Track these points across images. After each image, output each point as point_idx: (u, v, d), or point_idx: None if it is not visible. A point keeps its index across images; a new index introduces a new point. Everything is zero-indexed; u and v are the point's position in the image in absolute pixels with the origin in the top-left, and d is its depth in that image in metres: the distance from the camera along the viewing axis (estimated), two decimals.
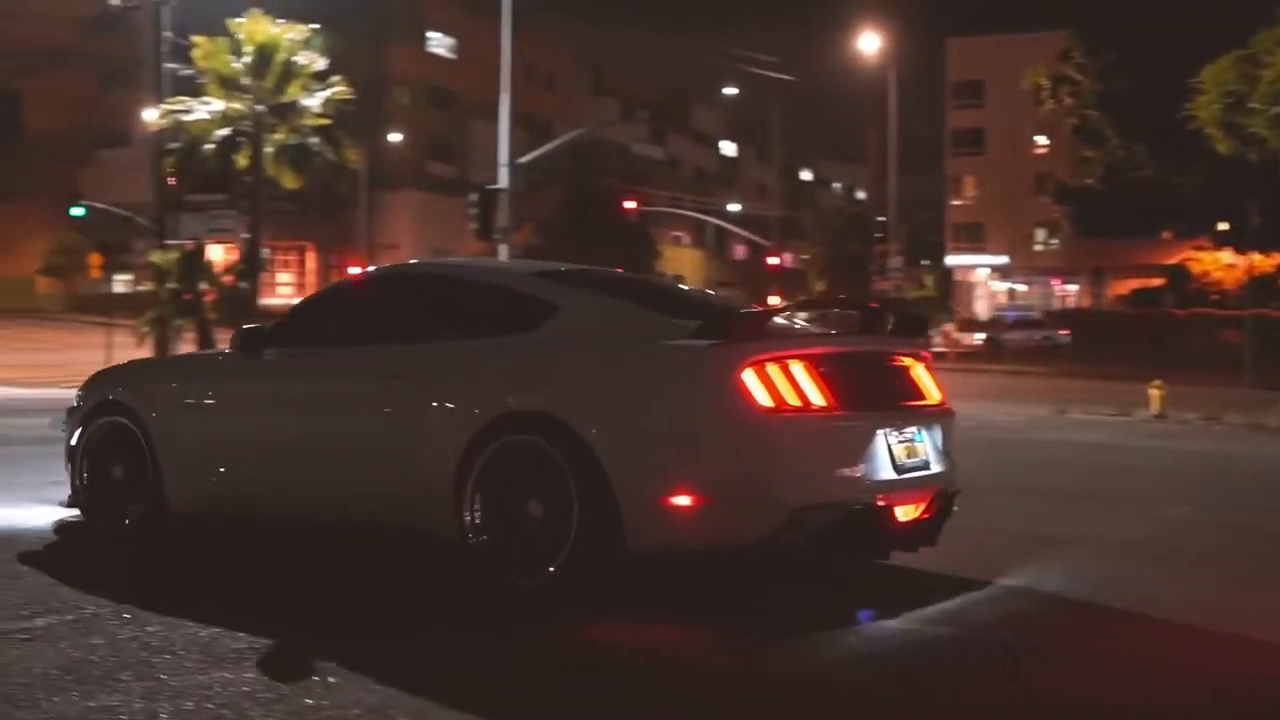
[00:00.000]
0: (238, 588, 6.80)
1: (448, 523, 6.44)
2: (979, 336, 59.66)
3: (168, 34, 30.18)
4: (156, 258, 29.95)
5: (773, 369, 5.97)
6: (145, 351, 30.22)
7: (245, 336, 7.53)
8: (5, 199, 72.03)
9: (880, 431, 6.32)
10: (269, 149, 29.00)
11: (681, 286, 8.58)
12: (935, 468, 6.66)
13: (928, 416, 6.77)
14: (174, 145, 29.37)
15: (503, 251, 27.49)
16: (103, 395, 8.16)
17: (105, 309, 32.65)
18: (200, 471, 7.60)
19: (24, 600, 6.11)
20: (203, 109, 28.37)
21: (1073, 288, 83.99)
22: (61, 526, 8.23)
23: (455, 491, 6.39)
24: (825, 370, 6.16)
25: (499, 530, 6.33)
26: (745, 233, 74.85)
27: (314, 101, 29.30)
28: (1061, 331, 58.22)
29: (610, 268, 8.82)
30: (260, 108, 28.58)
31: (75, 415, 8.20)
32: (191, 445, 7.63)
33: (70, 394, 8.95)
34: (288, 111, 28.53)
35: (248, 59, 29.04)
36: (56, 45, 69.78)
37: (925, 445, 6.62)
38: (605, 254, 68.15)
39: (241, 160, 28.93)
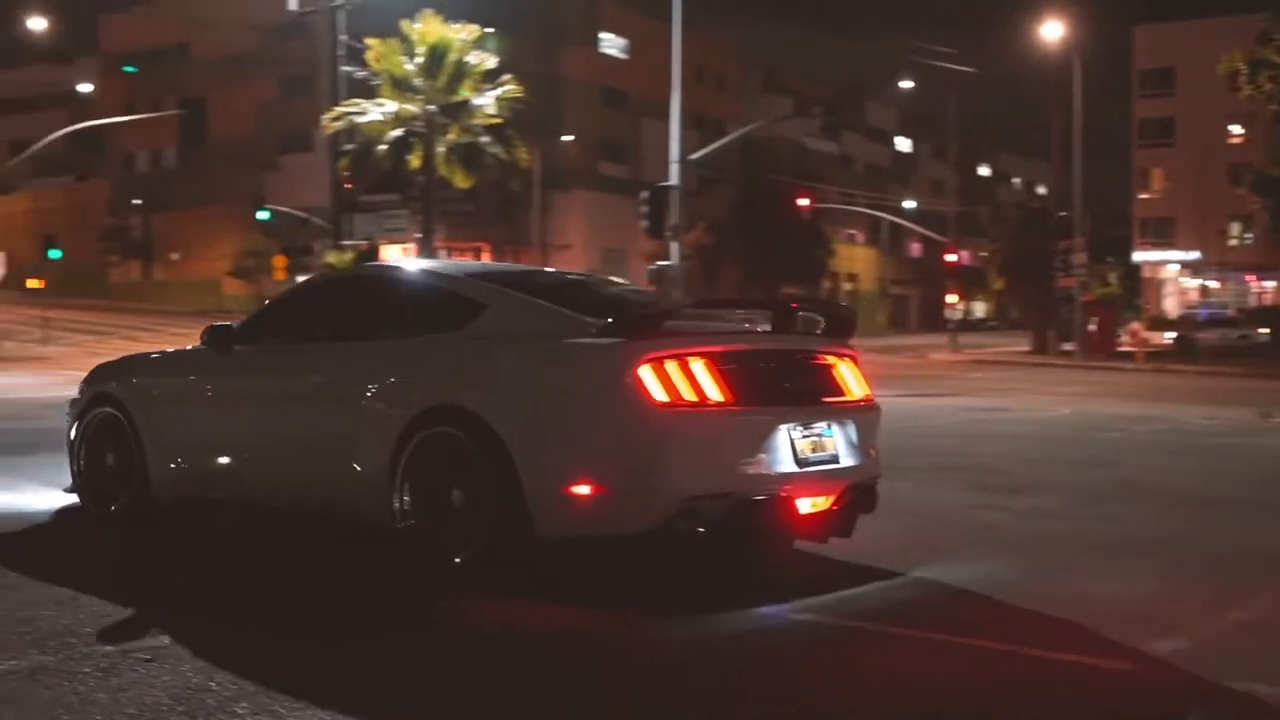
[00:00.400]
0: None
1: (383, 509, 6.78)
2: (1169, 335, 57.15)
3: (343, 37, 30.45)
4: (332, 258, 30.21)
5: (670, 366, 6.19)
6: None
7: (214, 333, 7.96)
8: (195, 204, 74.42)
9: (783, 426, 6.49)
10: (441, 149, 28.98)
11: (617, 285, 8.68)
12: (846, 461, 6.81)
13: (840, 412, 6.91)
14: (348, 147, 29.57)
15: (673, 250, 26.97)
16: (99, 388, 8.62)
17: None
18: (177, 461, 8.00)
19: None
20: (376, 110, 28.48)
21: (1270, 284, 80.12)
22: (63, 510, 8.67)
23: (388, 480, 6.74)
24: (726, 367, 6.37)
25: (424, 516, 6.67)
26: (921, 229, 73.11)
27: (485, 101, 29.19)
28: (1260, 330, 55.38)
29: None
30: (432, 108, 28.57)
31: (76, 406, 8.72)
32: (169, 436, 8.03)
33: None
34: (459, 111, 28.45)
35: (420, 60, 29.07)
36: (240, 54, 71.78)
37: (835, 440, 6.78)
38: (777, 252, 67.75)
39: (414, 161, 28.96)
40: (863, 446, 6.98)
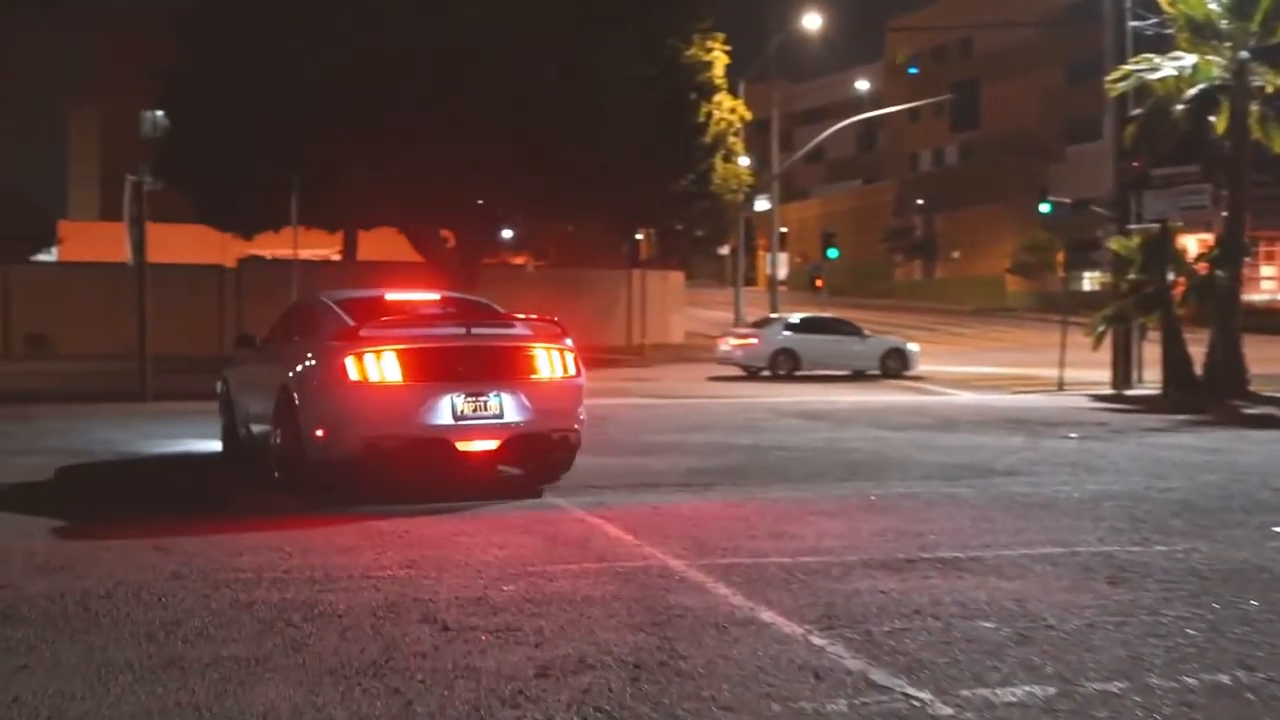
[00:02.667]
0: None
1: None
2: None
3: None
4: (1115, 244, 25.34)
5: (367, 358, 9.78)
6: (1101, 354, 25.77)
7: (241, 339, 13.17)
8: (975, 202, 71.55)
9: (448, 394, 9.84)
10: (1254, 106, 23.14)
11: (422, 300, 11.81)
12: (510, 418, 10.03)
13: (507, 384, 10.07)
14: (1135, 112, 24.56)
15: None
16: (222, 377, 13.38)
17: (1070, 307, 29.04)
18: (244, 413, 12.25)
19: None
20: (1170, 65, 23.26)
21: None
22: None
23: (271, 425, 10.86)
24: (406, 357, 9.88)
25: (273, 447, 10.81)
26: None
27: None
28: None
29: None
30: (1244, 54, 22.79)
31: (220, 393, 13.39)
32: (241, 404, 12.42)
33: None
34: (1278, 56, 22.50)
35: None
36: (1020, 45, 67.81)
37: (500, 403, 10.00)
38: None
39: (1219, 124, 23.38)
40: (538, 409, 10.16)
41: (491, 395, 9.92)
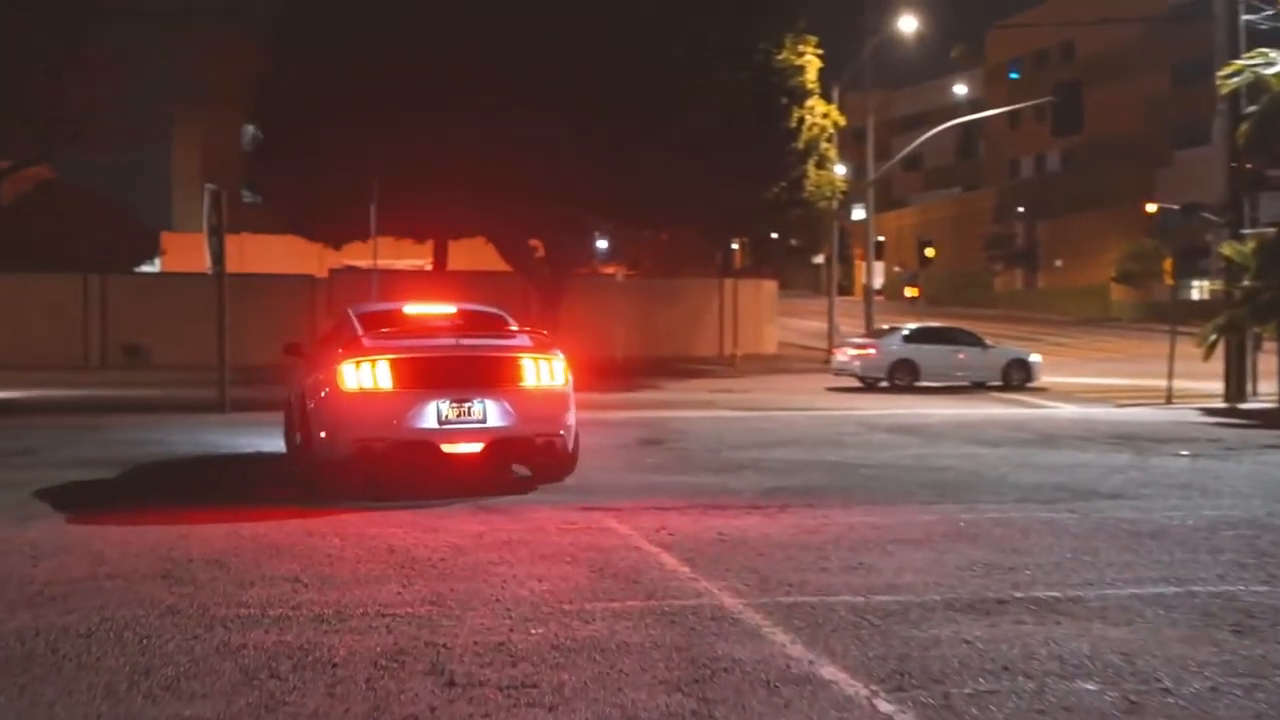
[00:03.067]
0: None
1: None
2: None
3: None
4: (1228, 250, 23.84)
5: (362, 366, 10.51)
6: (1212, 365, 24.29)
7: (286, 349, 13.40)
8: (1078, 208, 69.48)
9: (434, 401, 10.43)
10: None
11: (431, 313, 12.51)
12: (493, 423, 10.56)
13: (491, 392, 10.62)
14: (1250, 110, 23.12)
15: None
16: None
17: (1178, 316, 27.55)
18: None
19: None
20: None
21: None
22: None
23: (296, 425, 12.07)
24: (399, 367, 10.58)
25: (294, 446, 12.13)
26: None
27: None
28: None
29: None
30: None
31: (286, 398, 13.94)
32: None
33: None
34: None
35: None
36: (1124, 47, 65.72)
37: (484, 409, 10.54)
38: None
39: None
40: (520, 415, 10.67)
41: (475, 402, 10.55)
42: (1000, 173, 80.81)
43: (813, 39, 34.92)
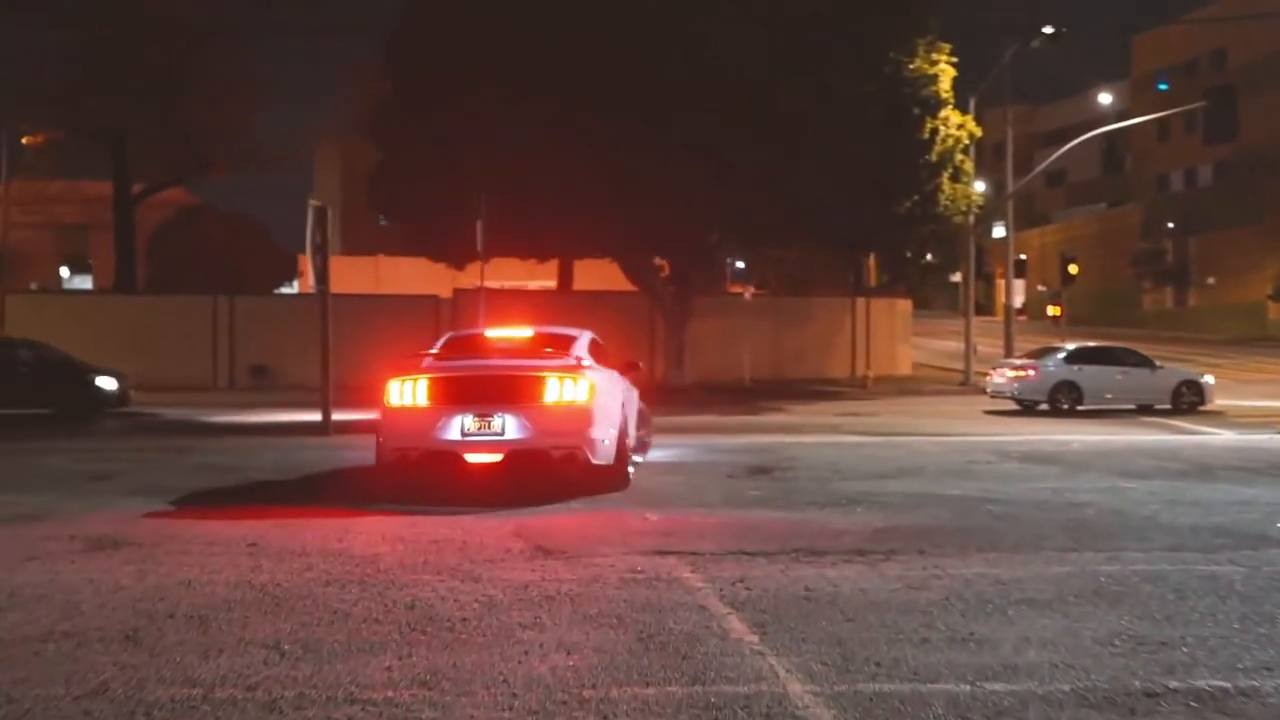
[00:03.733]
0: None
1: None
2: None
3: None
4: None
5: (404, 384, 11.69)
6: None
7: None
8: (1233, 223, 65.89)
9: (459, 415, 11.43)
10: None
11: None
12: (510, 435, 11.40)
13: (511, 407, 11.47)
14: None
15: None
16: None
17: None
18: None
19: None
20: None
21: None
22: None
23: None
24: (433, 385, 11.71)
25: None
26: None
27: None
28: None
29: None
30: None
31: None
32: None
33: None
34: None
35: None
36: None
37: (503, 423, 11.39)
38: None
39: None
40: (538, 428, 11.47)
41: (495, 416, 11.45)
42: (1148, 187, 77.12)
43: (946, 46, 33.11)
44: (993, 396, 29.42)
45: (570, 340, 13.12)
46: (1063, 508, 11.21)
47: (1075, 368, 28.16)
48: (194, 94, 39.46)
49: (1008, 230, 41.70)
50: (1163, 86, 68.84)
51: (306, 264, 67.90)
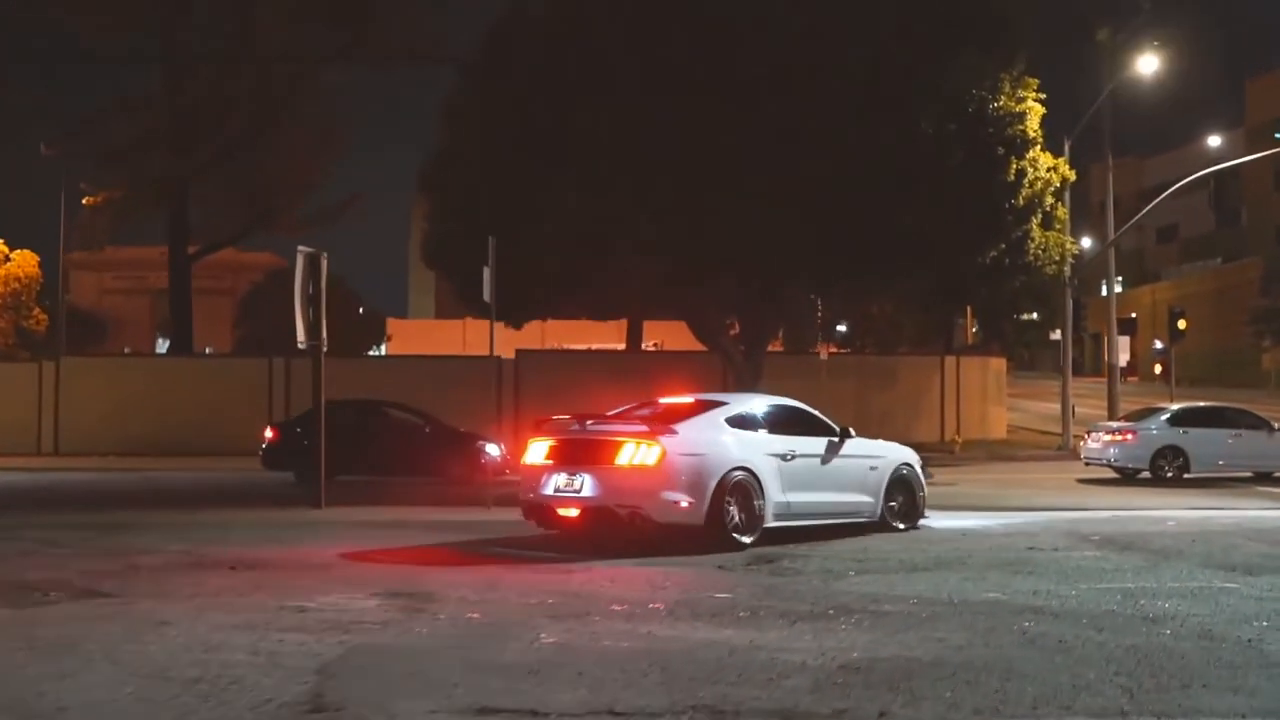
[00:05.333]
0: None
1: None
2: None
3: None
4: None
5: (531, 445, 13.24)
6: None
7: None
8: None
9: (553, 475, 12.71)
10: None
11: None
12: (586, 493, 12.40)
13: (590, 468, 12.43)
14: None
15: None
16: None
17: None
18: None
19: None
20: None
21: None
22: None
23: None
24: (541, 446, 13.04)
25: None
26: None
27: None
28: None
29: None
30: None
31: None
32: None
33: None
34: None
35: None
36: None
37: (581, 482, 12.44)
38: None
39: None
40: (608, 488, 12.30)
41: (578, 476, 12.49)
42: (1266, 240, 72.06)
43: (1033, 82, 29.77)
44: (1088, 464, 25.93)
45: (705, 406, 13.79)
46: (1130, 624, 8.06)
47: (1180, 430, 24.60)
48: (261, 150, 37.87)
49: (1108, 282, 38.00)
50: (1279, 135, 64.27)
51: (393, 327, 66.08)
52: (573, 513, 12.54)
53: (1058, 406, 39.30)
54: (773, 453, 13.20)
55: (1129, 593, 9.39)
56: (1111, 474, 25.26)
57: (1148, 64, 33.56)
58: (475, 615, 8.37)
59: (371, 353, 61.42)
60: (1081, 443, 27.14)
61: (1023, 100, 29.63)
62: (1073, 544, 12.82)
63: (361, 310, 67.36)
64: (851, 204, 26.74)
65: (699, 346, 33.90)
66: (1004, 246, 29.72)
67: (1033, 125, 29.77)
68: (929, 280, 30.55)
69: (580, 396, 33.06)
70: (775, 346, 48.53)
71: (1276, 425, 25.25)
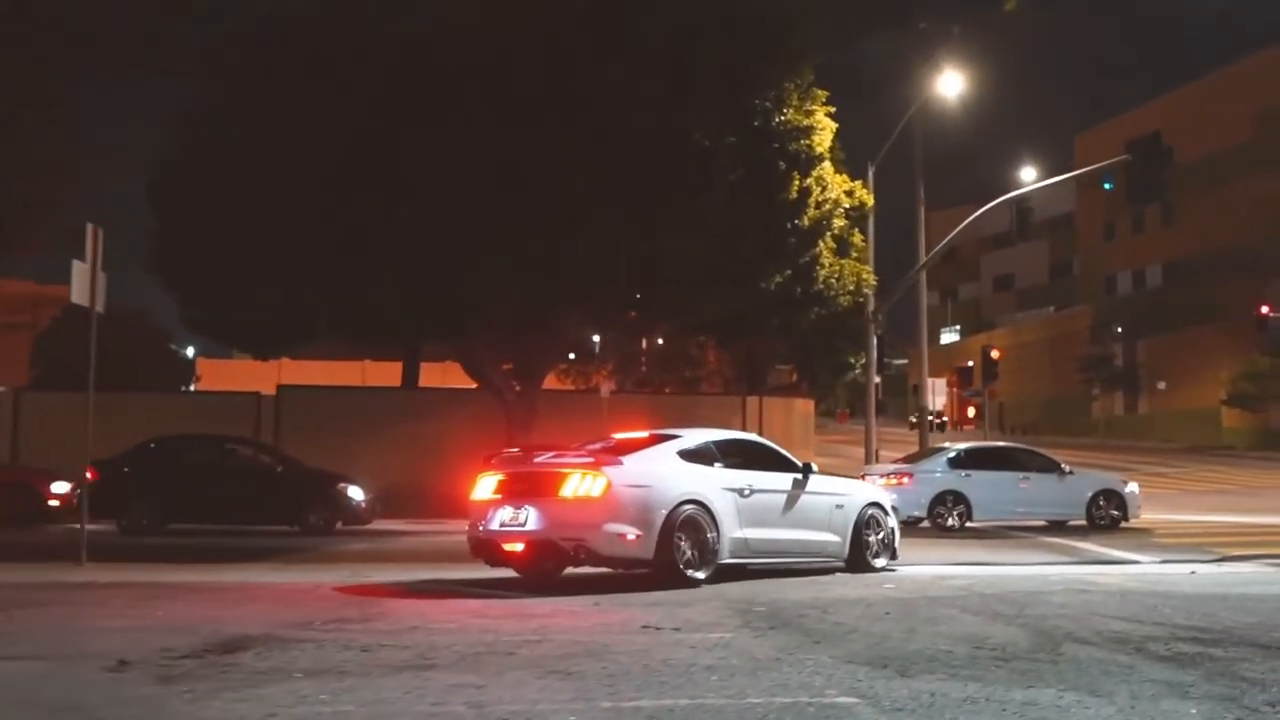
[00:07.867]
0: None
1: None
2: None
3: None
4: None
5: (479, 480, 12.44)
6: None
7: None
8: (1181, 325, 59.33)
9: (499, 509, 12.01)
10: None
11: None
12: (530, 526, 11.74)
13: (532, 500, 11.78)
14: None
15: None
16: None
17: None
18: None
19: None
20: None
21: None
22: None
23: None
24: (490, 480, 12.32)
25: None
26: None
27: None
28: None
29: None
30: None
31: None
32: None
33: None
34: None
35: None
36: (1229, 149, 56.16)
37: (525, 515, 11.79)
38: None
39: None
40: (551, 521, 11.65)
41: (523, 509, 11.86)
42: (1096, 290, 70.68)
43: (822, 94, 26.41)
44: None
45: (658, 439, 12.83)
46: None
47: (962, 473, 21.31)
48: None
49: (918, 314, 34.94)
50: (1108, 186, 62.82)
51: (203, 367, 60.41)
52: (518, 547, 11.98)
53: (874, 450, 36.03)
54: (729, 487, 12.42)
55: (673, 713, 5.50)
56: None
57: (951, 84, 30.56)
58: None
59: (183, 389, 56.30)
60: None
61: (811, 114, 26.20)
62: (721, 619, 9.01)
63: (173, 347, 62.22)
64: (610, 225, 23.00)
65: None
66: (790, 272, 26.23)
67: (821, 142, 26.30)
68: (711, 311, 27.00)
69: (348, 437, 28.82)
70: (563, 384, 44.76)
71: (1068, 468, 22.08)
